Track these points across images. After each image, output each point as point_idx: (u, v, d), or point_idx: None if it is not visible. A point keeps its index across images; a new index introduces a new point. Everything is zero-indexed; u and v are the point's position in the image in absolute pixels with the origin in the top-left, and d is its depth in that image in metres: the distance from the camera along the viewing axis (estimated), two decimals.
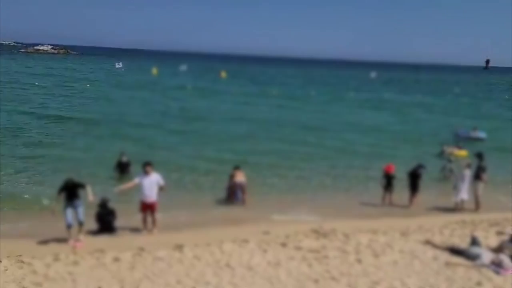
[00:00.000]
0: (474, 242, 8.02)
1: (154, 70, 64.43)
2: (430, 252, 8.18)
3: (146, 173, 9.33)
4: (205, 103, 34.05)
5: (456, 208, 12.02)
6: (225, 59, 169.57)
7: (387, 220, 10.86)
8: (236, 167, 12.41)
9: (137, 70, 72.46)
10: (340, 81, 73.32)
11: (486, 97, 53.35)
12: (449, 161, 15.62)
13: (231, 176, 12.09)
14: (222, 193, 12.33)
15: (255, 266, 7.41)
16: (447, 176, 14.63)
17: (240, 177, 11.95)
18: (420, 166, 12.38)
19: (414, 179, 12.19)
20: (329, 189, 14.07)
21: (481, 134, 22.74)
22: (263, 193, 12.81)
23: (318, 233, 9.28)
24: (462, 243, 8.49)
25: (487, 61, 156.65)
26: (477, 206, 12.02)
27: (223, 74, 63.26)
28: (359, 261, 7.71)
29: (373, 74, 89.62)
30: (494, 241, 8.59)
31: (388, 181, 12.38)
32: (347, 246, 8.44)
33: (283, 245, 8.45)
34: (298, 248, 8.27)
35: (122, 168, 14.01)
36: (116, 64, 74.22)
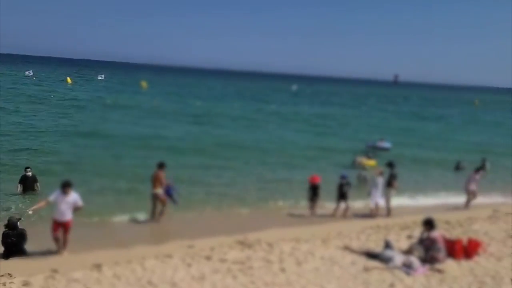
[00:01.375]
0: (387, 245, 8.56)
1: (69, 79, 61.71)
2: (348, 257, 8.57)
3: (64, 193, 8.75)
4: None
5: (371, 214, 12.77)
6: (150, 69, 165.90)
7: (309, 228, 11.24)
8: (161, 165, 11.68)
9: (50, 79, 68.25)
10: (261, 94, 74.80)
11: (395, 110, 57.69)
12: (363, 169, 16.66)
13: (156, 178, 11.51)
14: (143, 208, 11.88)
15: (179, 281, 7.22)
16: (362, 184, 15.55)
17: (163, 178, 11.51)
18: (343, 177, 12.95)
19: (342, 189, 12.71)
20: (253, 199, 14.20)
21: (387, 144, 24.57)
22: (185, 207, 12.54)
23: (243, 244, 9.31)
24: (377, 247, 9.02)
25: (396, 76, 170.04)
26: (389, 211, 12.87)
27: (144, 84, 62.85)
28: (282, 270, 7.84)
29: (294, 87, 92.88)
30: (405, 244, 9.20)
31: (314, 191, 12.81)
32: (271, 256, 8.56)
33: (208, 258, 8.35)
34: (223, 260, 8.22)
35: (27, 184, 12.94)
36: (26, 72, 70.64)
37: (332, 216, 12.66)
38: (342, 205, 12.62)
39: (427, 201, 14.87)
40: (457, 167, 20.28)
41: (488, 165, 19.79)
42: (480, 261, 8.40)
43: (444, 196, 15.51)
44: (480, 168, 15.68)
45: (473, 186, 14.23)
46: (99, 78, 77.44)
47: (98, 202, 12.11)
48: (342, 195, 12.60)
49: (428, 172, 19.70)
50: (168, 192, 11.55)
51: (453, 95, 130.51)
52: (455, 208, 14.00)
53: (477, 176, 14.40)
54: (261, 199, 14.06)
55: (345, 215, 12.60)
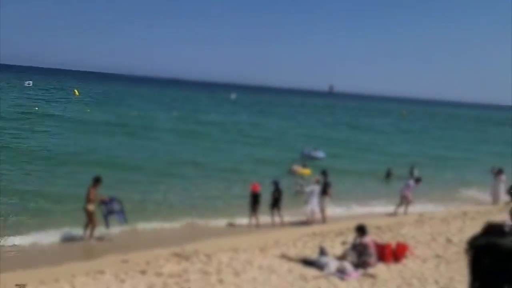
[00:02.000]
0: (322, 252, 8.80)
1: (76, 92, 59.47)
2: (285, 265, 8.69)
3: None
4: None
5: (308, 221, 13.09)
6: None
7: (248, 237, 11.29)
8: (96, 180, 11.04)
9: None
10: (199, 103, 74.28)
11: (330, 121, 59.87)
12: (301, 178, 17.11)
13: (89, 194, 10.86)
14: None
15: None
16: (298, 192, 15.94)
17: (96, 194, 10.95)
18: (276, 183, 13.16)
19: (275, 197, 12.91)
20: (188, 211, 13.97)
21: (320, 154, 25.40)
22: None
23: (180, 256, 9.12)
24: (314, 254, 9.24)
25: (331, 87, 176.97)
26: (324, 219, 13.27)
27: (76, 92, 61.14)
28: (220, 281, 7.77)
29: (233, 96, 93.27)
30: (339, 250, 9.52)
31: (255, 199, 12.90)
32: (208, 267, 8.45)
33: (143, 272, 8.07)
34: (159, 274, 7.98)
35: None
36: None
37: (272, 225, 12.85)
38: (276, 212, 12.87)
39: (361, 208, 15.55)
40: (388, 175, 21.41)
41: (416, 172, 21.08)
42: (407, 264, 8.88)
43: (376, 204, 16.30)
44: (416, 178, 16.31)
45: (408, 193, 15.06)
46: (26, 84, 72.34)
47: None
48: (275, 203, 12.84)
49: (360, 180, 20.56)
50: (109, 210, 10.98)
51: (384, 105, 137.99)
52: (388, 214, 14.74)
53: (411, 183, 15.27)
54: (198, 211, 13.87)
55: (281, 223, 12.82)
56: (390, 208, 15.31)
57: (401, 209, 14.99)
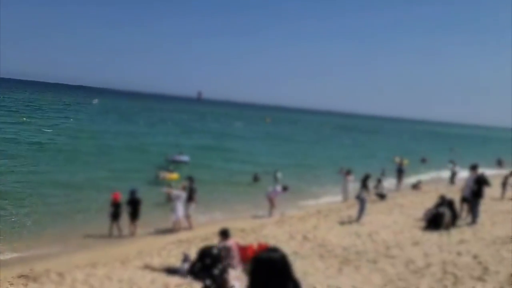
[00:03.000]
0: (186, 259, 8.71)
1: None
2: (148, 276, 8.37)
3: None
4: None
5: (174, 229, 12.87)
6: None
7: (107, 250, 10.62)
8: None
9: None
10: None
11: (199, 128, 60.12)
12: (169, 185, 16.74)
13: None
14: None
15: None
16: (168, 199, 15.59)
17: None
18: (132, 192, 12.69)
19: (134, 205, 12.41)
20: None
21: (185, 158, 25.47)
22: None
23: (28, 278, 8.13)
24: (178, 262, 9.09)
25: (199, 93, 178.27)
26: (190, 225, 13.20)
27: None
28: None
29: (95, 101, 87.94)
30: None
31: (116, 209, 12.22)
32: (61, 287, 7.69)
33: None
34: None
35: None
36: None
37: (131, 235, 12.32)
38: (132, 222, 12.42)
39: (226, 213, 15.86)
40: (255, 179, 22.33)
41: (279, 175, 22.41)
42: None
43: (241, 207, 16.82)
44: (284, 187, 17.02)
45: (273, 197, 15.80)
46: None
47: None
48: (133, 212, 12.40)
49: (227, 185, 21.01)
50: None
51: (251, 112, 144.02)
52: (254, 217, 15.30)
53: (278, 189, 16.06)
54: (52, 224, 12.63)
55: (133, 233, 12.41)
56: (256, 212, 15.96)
57: (273, 212, 15.62)
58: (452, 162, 25.49)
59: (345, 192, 19.57)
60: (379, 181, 19.72)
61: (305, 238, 11.51)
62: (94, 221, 13.17)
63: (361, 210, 13.36)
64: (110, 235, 12.17)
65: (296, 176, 23.89)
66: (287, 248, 10.52)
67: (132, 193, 12.63)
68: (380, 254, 9.60)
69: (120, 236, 12.23)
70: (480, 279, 7.18)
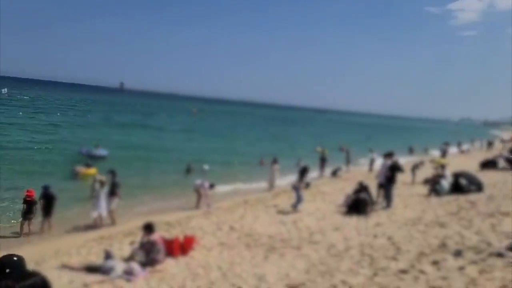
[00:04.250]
0: (108, 256, 8.34)
1: None
2: (66, 276, 7.88)
3: None
4: None
5: (95, 225, 12.28)
6: None
7: (21, 251, 9.81)
8: None
9: None
10: None
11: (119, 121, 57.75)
12: (94, 181, 15.92)
13: None
14: None
15: None
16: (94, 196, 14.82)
17: None
18: (46, 187, 11.95)
19: (47, 201, 11.70)
20: None
21: (103, 152, 24.34)
22: None
23: None
24: (99, 259, 8.67)
25: (122, 84, 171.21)
26: (113, 220, 12.68)
27: None
28: None
29: (4, 90, 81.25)
30: (128, 251, 9.21)
31: (29, 207, 11.38)
32: None
33: None
34: None
35: None
36: None
37: (41, 232, 11.60)
38: (47, 219, 11.73)
39: (154, 205, 15.53)
40: (188, 170, 22.10)
41: (206, 168, 22.39)
42: (194, 255, 9.21)
43: (173, 198, 16.57)
44: (211, 184, 16.88)
45: (201, 189, 15.65)
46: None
47: None
48: (47, 208, 11.69)
49: (155, 177, 20.47)
50: None
51: (176, 103, 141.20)
52: (181, 209, 15.09)
53: (206, 184, 15.92)
54: None
55: (48, 230, 11.73)
56: (183, 204, 15.77)
57: (201, 204, 15.48)
58: (371, 150, 27.02)
59: (271, 181, 20.01)
60: (304, 170, 20.36)
61: (232, 228, 11.56)
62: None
63: (298, 198, 13.64)
64: (21, 235, 11.32)
65: (222, 167, 23.99)
66: (214, 239, 10.54)
67: (45, 188, 11.85)
68: (304, 240, 9.93)
69: (32, 235, 11.42)
70: (393, 258, 7.70)
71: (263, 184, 20.23)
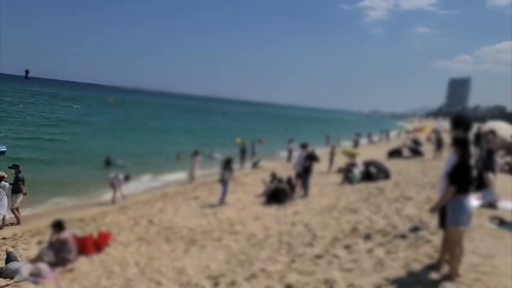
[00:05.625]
0: (10, 258, 7.66)
1: None
2: None
3: None
4: None
5: None
6: None
7: None
8: None
9: None
10: None
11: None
12: None
13: None
14: None
15: None
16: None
17: None
18: None
19: None
20: None
21: (1, 148, 22.28)
22: None
23: None
24: (1, 262, 7.94)
25: (27, 71, 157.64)
26: (17, 219, 11.67)
27: None
28: None
29: None
30: (36, 251, 8.55)
31: None
32: None
33: None
34: None
35: None
36: None
37: None
38: None
39: (72, 200, 14.63)
40: (107, 163, 21.09)
41: (120, 162, 21.54)
42: (110, 252, 8.82)
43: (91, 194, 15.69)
44: (126, 176, 16.16)
45: (115, 182, 15.05)
46: None
47: None
48: None
49: (71, 172, 19.17)
50: None
51: (89, 92, 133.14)
52: (96, 204, 14.36)
53: (121, 177, 15.25)
54: None
55: None
56: (98, 199, 15.06)
57: (117, 198, 14.88)
58: (290, 141, 27.77)
59: (191, 173, 19.79)
60: (228, 161, 20.39)
61: (150, 222, 11.25)
62: None
63: (224, 192, 13.50)
64: None
65: (139, 161, 23.21)
66: (132, 234, 10.19)
67: None
68: (225, 231, 9.96)
69: None
70: (310, 244, 8.01)
71: (181, 176, 19.97)
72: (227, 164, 13.83)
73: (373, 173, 15.87)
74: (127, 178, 15.46)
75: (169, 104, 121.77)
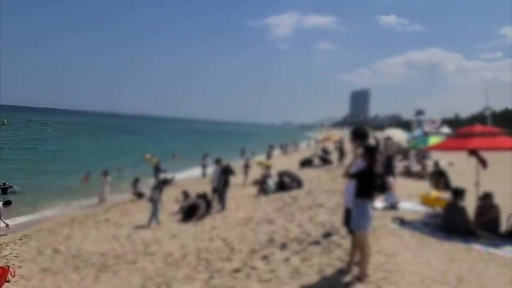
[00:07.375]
0: None
1: None
2: None
3: None
4: None
5: None
6: None
7: None
8: None
9: None
10: None
11: None
12: None
13: None
14: None
15: None
16: None
17: None
18: None
19: None
20: None
21: None
22: None
23: None
24: None
25: None
26: None
27: None
28: None
29: None
30: None
31: None
32: None
33: None
34: None
35: None
36: None
37: None
38: None
39: None
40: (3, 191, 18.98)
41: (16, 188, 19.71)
42: (10, 287, 7.96)
43: None
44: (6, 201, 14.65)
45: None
46: None
47: None
48: None
49: None
50: None
51: None
52: None
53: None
54: None
55: None
56: None
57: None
58: (204, 156, 27.56)
59: (102, 194, 18.70)
60: (136, 180, 19.63)
61: (56, 251, 10.37)
62: None
63: (154, 212, 12.85)
64: None
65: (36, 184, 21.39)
66: (34, 266, 9.32)
67: None
68: (140, 253, 9.54)
69: None
70: (228, 259, 7.98)
71: (91, 200, 18.71)
72: (157, 184, 13.32)
73: (286, 183, 16.36)
74: (7, 203, 13.84)
75: (76, 123, 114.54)
